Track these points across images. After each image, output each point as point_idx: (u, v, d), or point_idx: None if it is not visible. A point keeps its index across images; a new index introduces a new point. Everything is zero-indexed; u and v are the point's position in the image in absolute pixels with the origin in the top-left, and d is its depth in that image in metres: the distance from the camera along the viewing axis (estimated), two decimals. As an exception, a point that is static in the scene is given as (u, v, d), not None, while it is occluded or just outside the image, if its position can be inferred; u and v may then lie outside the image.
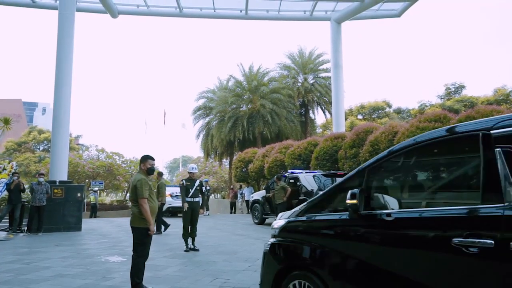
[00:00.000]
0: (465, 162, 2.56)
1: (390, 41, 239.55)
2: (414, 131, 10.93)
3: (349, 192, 2.86)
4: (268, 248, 3.67)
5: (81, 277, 6.02)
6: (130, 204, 5.34)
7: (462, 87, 34.30)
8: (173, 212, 19.38)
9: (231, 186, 25.42)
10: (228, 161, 33.57)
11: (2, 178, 14.81)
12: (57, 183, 12.70)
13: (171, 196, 19.24)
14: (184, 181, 8.97)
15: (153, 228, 5.04)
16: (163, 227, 12.11)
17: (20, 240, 10.76)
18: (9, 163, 16.66)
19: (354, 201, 2.80)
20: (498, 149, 2.15)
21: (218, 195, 48.86)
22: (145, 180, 5.01)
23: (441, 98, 34.40)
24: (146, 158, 5.25)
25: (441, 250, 2.26)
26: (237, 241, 10.04)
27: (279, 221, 3.74)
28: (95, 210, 23.95)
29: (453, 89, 34.50)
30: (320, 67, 30.75)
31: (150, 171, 5.22)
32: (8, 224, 12.79)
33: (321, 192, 3.52)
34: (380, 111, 37.45)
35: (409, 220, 2.55)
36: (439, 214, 2.41)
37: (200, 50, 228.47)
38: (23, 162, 42.41)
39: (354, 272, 2.84)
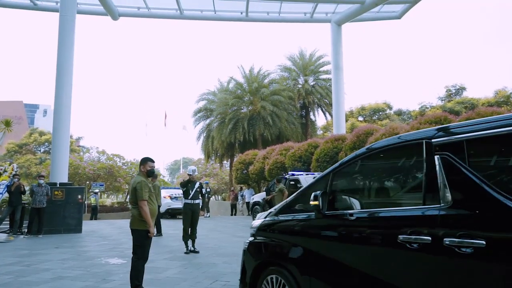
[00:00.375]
0: (414, 166, 2.85)
1: (391, 43, 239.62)
2: (415, 133, 10.94)
3: (312, 194, 3.19)
4: (246, 246, 4.00)
5: (81, 279, 6.02)
6: (130, 206, 5.34)
7: (462, 88, 34.31)
8: (172, 214, 19.43)
9: (232, 188, 25.41)
10: (228, 163, 33.58)
11: (3, 180, 14.83)
12: (58, 185, 12.72)
13: (170, 198, 19.30)
14: (184, 181, 8.99)
15: (153, 230, 5.04)
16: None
17: (20, 242, 10.77)
18: (9, 165, 16.68)
19: (316, 202, 3.13)
20: (437, 156, 2.47)
21: (219, 197, 48.85)
22: (145, 182, 5.01)
23: (442, 100, 34.41)
24: (146, 160, 5.24)
25: (391, 246, 2.54)
26: (238, 243, 10.03)
27: (257, 221, 4.06)
28: (95, 212, 23.97)
29: (454, 91, 34.51)
30: (321, 69, 30.76)
31: (150, 173, 5.22)
32: (8, 226, 12.80)
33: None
34: (380, 113, 37.48)
35: (367, 219, 2.86)
36: (390, 214, 2.71)
37: (200, 52, 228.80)
38: (24, 164, 42.44)
39: (319, 267, 3.10)
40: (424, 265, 2.37)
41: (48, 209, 12.10)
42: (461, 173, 2.34)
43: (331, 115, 30.08)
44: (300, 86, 30.48)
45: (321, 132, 36.80)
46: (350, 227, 2.94)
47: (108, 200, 45.57)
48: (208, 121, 31.33)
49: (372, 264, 2.70)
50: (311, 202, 3.19)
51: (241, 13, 19.53)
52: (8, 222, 12.82)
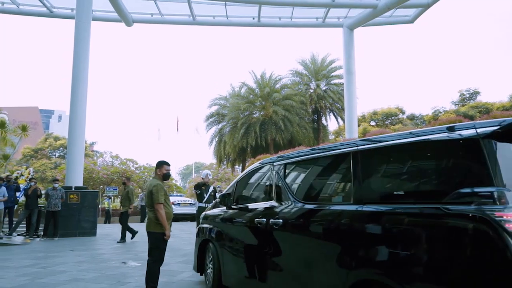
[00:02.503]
0: (268, 178, 4.53)
1: (403, 47, 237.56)
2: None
3: (218, 195, 5.71)
4: (197, 230, 6.00)
5: (96, 282, 6.10)
6: (147, 209, 5.37)
7: (476, 93, 33.89)
8: (175, 218, 20.42)
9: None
10: (240, 167, 33.62)
11: (20, 183, 15.12)
12: (73, 189, 12.89)
13: (173, 204, 20.57)
14: (199, 183, 9.10)
15: (169, 233, 5.09)
16: (128, 235, 11.74)
17: (36, 244, 10.94)
18: (26, 169, 17.01)
19: (218, 200, 5.41)
20: (273, 172, 4.37)
21: (231, 201, 48.85)
22: (161, 185, 5.05)
23: (455, 104, 34.04)
24: (161, 164, 5.29)
25: (253, 226, 4.34)
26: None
27: (204, 213, 6.03)
28: (109, 216, 24.22)
29: (468, 95, 34.11)
30: (333, 74, 30.67)
31: (166, 176, 5.26)
32: (25, 229, 13.02)
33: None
34: (393, 118, 37.19)
35: (251, 209, 4.61)
36: (255, 207, 4.54)
37: (213, 57, 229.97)
38: (40, 168, 43.15)
39: (227, 242, 5.05)
40: (264, 235, 4.13)
41: (64, 213, 12.28)
42: (280, 182, 4.18)
43: (343, 119, 29.96)
44: (312, 90, 30.44)
45: (333, 137, 36.66)
46: (241, 214, 4.80)
47: (121, 204, 45.94)
48: (220, 126, 31.45)
49: (249, 238, 4.47)
50: (217, 200, 5.49)
51: (253, 18, 19.59)
52: (25, 225, 13.05)
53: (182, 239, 12.11)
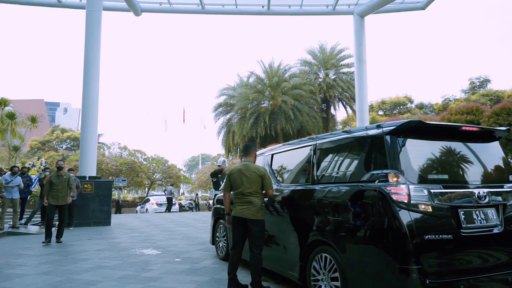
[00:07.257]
0: (268, 165, 5.64)
1: (413, 35, 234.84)
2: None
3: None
4: (212, 211, 7.23)
5: (120, 269, 6.07)
6: (247, 196, 4.75)
7: (487, 81, 33.51)
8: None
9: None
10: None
11: (32, 174, 15.16)
12: (87, 179, 12.86)
13: (157, 204, 22.81)
14: (215, 171, 9.05)
15: None
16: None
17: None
18: (38, 160, 17.05)
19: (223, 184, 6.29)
20: (265, 161, 5.64)
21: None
22: (267, 170, 5.07)
23: (465, 93, 33.71)
24: (255, 148, 5.29)
25: (271, 207, 5.10)
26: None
27: (217, 196, 7.13)
28: (119, 206, 24.32)
29: (478, 83, 33.75)
30: (342, 63, 30.40)
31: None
32: (40, 219, 13.04)
33: None
34: (401, 107, 36.92)
35: None
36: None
37: (221, 47, 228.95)
38: (47, 160, 43.31)
39: None
40: (275, 212, 4.99)
41: (78, 202, 12.27)
42: (268, 169, 5.40)
43: (352, 109, 29.78)
44: (321, 80, 30.23)
45: (341, 126, 36.47)
46: None
47: (129, 195, 46.10)
48: (228, 116, 31.35)
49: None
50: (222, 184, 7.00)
51: (263, 6, 19.35)
52: (40, 215, 13.07)
53: (197, 228, 12.09)
